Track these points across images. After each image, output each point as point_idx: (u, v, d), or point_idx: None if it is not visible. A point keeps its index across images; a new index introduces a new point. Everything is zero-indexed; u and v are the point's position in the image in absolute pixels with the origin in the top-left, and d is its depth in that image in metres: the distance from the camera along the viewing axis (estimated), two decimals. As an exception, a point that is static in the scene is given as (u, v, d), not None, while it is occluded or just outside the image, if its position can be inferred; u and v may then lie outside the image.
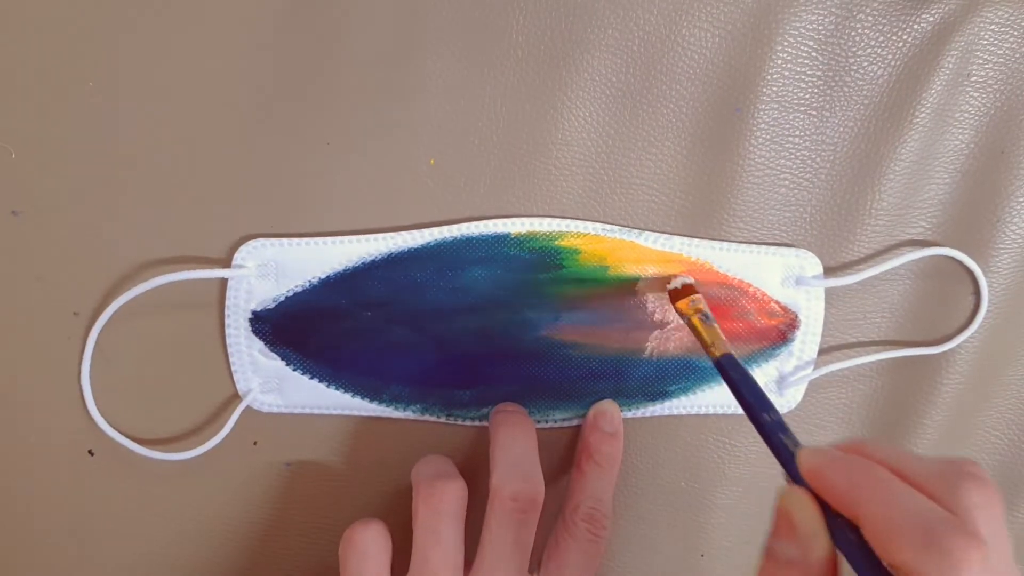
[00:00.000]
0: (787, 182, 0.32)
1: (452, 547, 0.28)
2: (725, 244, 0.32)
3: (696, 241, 0.32)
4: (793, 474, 0.23)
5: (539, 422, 0.33)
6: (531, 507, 0.29)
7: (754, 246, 0.33)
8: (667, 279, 0.32)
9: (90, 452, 0.33)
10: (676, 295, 0.31)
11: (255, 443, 0.33)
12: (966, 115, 0.33)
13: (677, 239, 0.32)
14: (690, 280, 0.32)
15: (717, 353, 0.28)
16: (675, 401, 0.34)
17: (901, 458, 0.22)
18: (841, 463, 0.22)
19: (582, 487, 0.31)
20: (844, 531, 0.21)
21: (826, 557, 0.21)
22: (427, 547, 0.28)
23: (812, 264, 0.33)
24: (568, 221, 0.31)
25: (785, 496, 0.22)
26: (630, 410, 0.34)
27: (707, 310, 0.30)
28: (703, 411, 0.34)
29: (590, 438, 0.32)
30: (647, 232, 0.32)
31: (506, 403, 0.33)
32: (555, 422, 0.33)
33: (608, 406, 0.33)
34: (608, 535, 0.30)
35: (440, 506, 0.28)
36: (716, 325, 0.30)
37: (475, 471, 0.33)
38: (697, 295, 0.31)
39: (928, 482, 0.21)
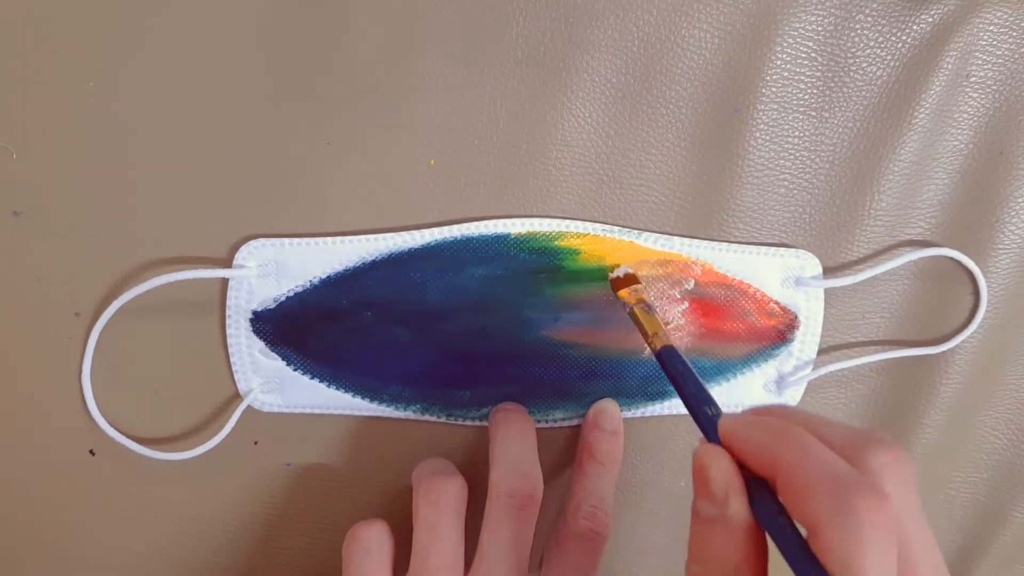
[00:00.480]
0: (786, 182, 0.32)
1: (452, 544, 0.28)
2: (725, 245, 0.32)
3: (696, 242, 0.32)
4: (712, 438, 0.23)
5: (539, 422, 0.33)
6: (529, 504, 0.29)
7: (754, 247, 0.33)
8: (610, 269, 0.32)
9: (91, 452, 0.33)
10: (618, 284, 0.31)
11: (255, 443, 0.33)
12: (965, 116, 0.33)
13: (677, 239, 0.32)
14: (631, 270, 0.32)
15: (658, 345, 0.28)
16: (675, 401, 0.34)
17: (815, 421, 0.22)
18: (758, 424, 0.22)
19: (583, 486, 0.31)
20: (763, 497, 0.21)
21: (745, 514, 0.21)
22: (427, 544, 0.28)
23: (811, 265, 0.33)
24: (568, 221, 0.32)
25: (698, 452, 0.22)
26: (630, 410, 0.34)
27: (650, 300, 0.30)
28: (703, 411, 0.34)
29: (591, 437, 0.32)
30: (647, 232, 0.32)
31: (506, 403, 0.33)
32: (555, 422, 0.34)
33: (608, 405, 0.33)
34: (609, 533, 0.30)
35: (440, 502, 0.29)
36: (658, 316, 0.29)
37: (475, 471, 0.33)
38: (639, 284, 0.31)
39: (839, 444, 0.21)
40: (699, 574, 0.21)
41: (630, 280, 0.31)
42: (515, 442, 0.30)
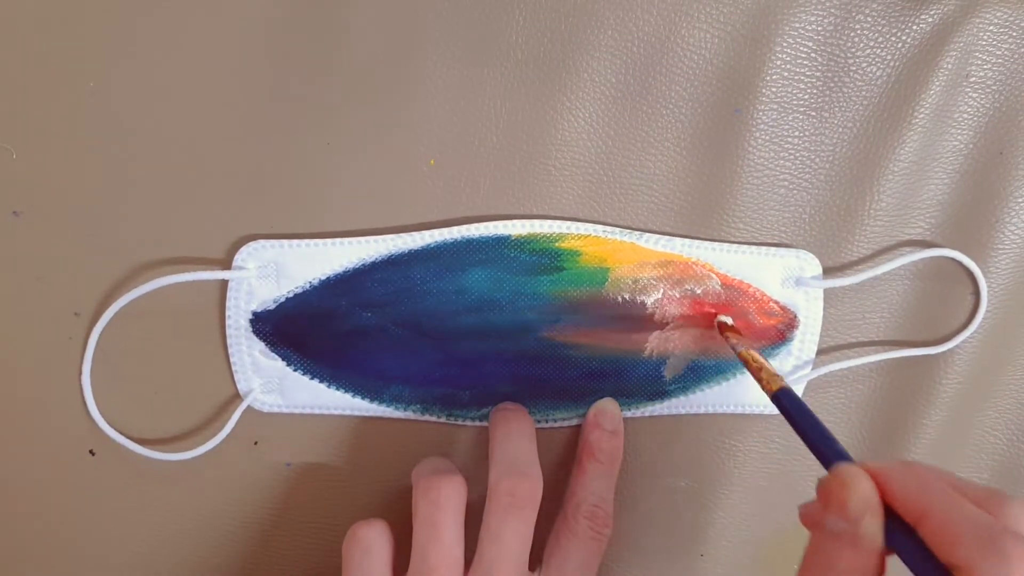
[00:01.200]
0: (786, 183, 0.32)
1: (451, 542, 0.28)
2: (725, 245, 0.32)
3: (696, 242, 0.32)
4: None
5: (540, 422, 0.33)
6: (529, 502, 0.29)
7: (754, 247, 0.33)
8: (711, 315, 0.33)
9: (91, 452, 0.33)
10: (723, 328, 0.32)
11: (255, 443, 0.33)
12: (965, 116, 0.33)
13: (677, 240, 0.32)
14: (730, 320, 0.33)
15: (775, 386, 0.28)
16: (675, 401, 0.34)
17: (955, 478, 0.24)
18: (908, 471, 0.23)
19: (584, 485, 0.31)
20: (898, 530, 0.22)
21: (879, 535, 0.22)
22: (426, 542, 0.28)
23: (811, 265, 0.33)
24: (568, 223, 0.32)
25: (841, 469, 0.24)
26: (630, 410, 0.34)
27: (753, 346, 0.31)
28: (703, 411, 0.34)
29: (591, 436, 0.32)
30: (647, 234, 0.32)
31: (506, 402, 0.33)
32: (555, 422, 0.34)
33: (608, 404, 0.33)
34: (610, 533, 0.30)
35: (439, 500, 0.28)
36: (766, 360, 0.30)
37: (476, 471, 0.33)
38: (740, 333, 0.32)
39: (982, 497, 0.23)
40: None
41: (732, 329, 0.32)
42: (515, 441, 0.30)
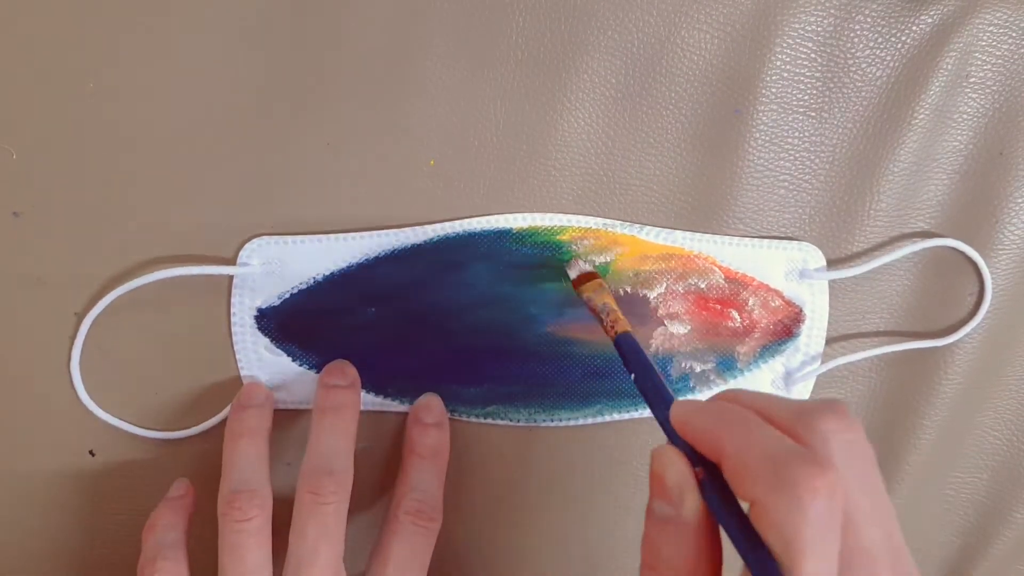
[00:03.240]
0: (786, 183, 0.32)
1: (256, 565, 0.28)
2: (727, 238, 0.32)
3: (698, 235, 0.32)
4: (675, 441, 0.23)
5: (545, 421, 0.33)
6: (333, 498, 0.28)
7: (756, 239, 0.33)
8: (565, 263, 0.31)
9: (91, 453, 0.33)
10: (580, 281, 0.31)
11: (255, 443, 0.33)
12: (965, 116, 0.33)
13: (679, 233, 0.32)
14: (589, 267, 0.31)
15: (616, 332, 0.28)
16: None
17: (762, 401, 0.22)
18: (707, 409, 0.22)
19: (405, 481, 0.31)
20: (712, 483, 0.21)
21: (698, 512, 0.21)
22: (229, 567, 0.28)
23: (815, 257, 0.33)
24: (569, 216, 0.32)
25: (655, 454, 0.22)
26: (636, 410, 0.33)
27: (610, 296, 0.30)
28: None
29: (411, 431, 0.32)
30: (648, 227, 0.32)
31: (340, 370, 0.31)
32: (560, 421, 0.33)
33: (430, 399, 0.32)
34: (438, 525, 0.30)
35: (238, 522, 0.28)
36: (615, 304, 0.29)
37: (476, 470, 0.33)
38: (599, 280, 0.30)
39: (789, 419, 0.21)
40: None
41: (591, 276, 0.31)
42: (327, 437, 0.29)
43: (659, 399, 0.25)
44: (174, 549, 0.29)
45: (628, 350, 0.27)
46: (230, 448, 0.30)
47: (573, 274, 0.31)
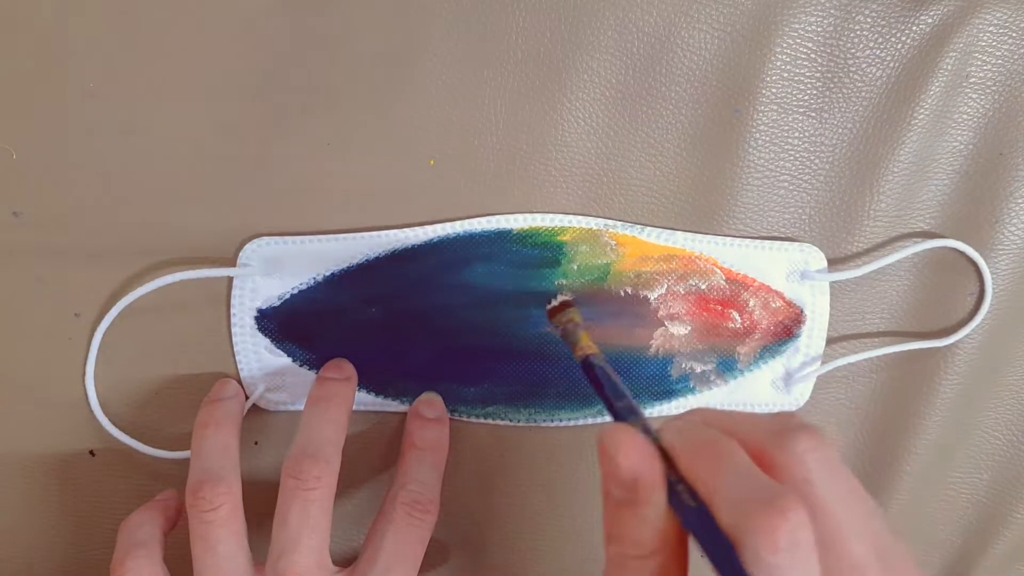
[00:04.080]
0: (786, 183, 0.32)
1: (227, 554, 0.27)
2: (728, 239, 0.32)
3: (699, 236, 0.32)
4: None
5: (545, 421, 0.33)
6: (317, 484, 0.28)
7: (757, 240, 0.33)
8: (548, 299, 0.32)
9: (91, 452, 0.33)
10: (553, 312, 0.30)
11: (255, 443, 0.33)
12: (965, 116, 0.33)
13: (680, 234, 0.32)
14: (567, 297, 0.31)
15: (583, 354, 0.27)
16: (681, 400, 0.34)
17: (741, 422, 0.22)
18: (682, 432, 0.22)
19: (403, 472, 0.31)
20: (679, 491, 0.21)
21: (662, 507, 0.21)
22: (202, 558, 0.27)
23: (816, 258, 0.33)
24: (570, 216, 0.32)
25: (603, 433, 0.22)
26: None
27: (580, 320, 0.29)
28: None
29: (411, 425, 0.32)
30: (649, 227, 0.32)
31: (337, 365, 0.31)
32: (560, 422, 0.33)
33: (430, 395, 0.33)
34: (433, 519, 0.30)
35: (204, 513, 0.27)
36: (584, 332, 0.29)
37: (476, 470, 0.33)
38: (573, 308, 0.30)
39: (763, 441, 0.21)
40: (619, 553, 0.21)
41: (566, 306, 0.30)
42: (318, 426, 0.29)
43: (627, 415, 0.24)
44: (147, 547, 0.28)
45: (597, 374, 0.26)
46: (196, 439, 0.29)
47: (549, 305, 0.31)
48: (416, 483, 0.30)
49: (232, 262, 0.31)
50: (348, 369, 0.32)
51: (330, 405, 0.30)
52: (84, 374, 0.31)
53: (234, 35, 0.30)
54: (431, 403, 0.32)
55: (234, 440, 0.30)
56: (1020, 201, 0.34)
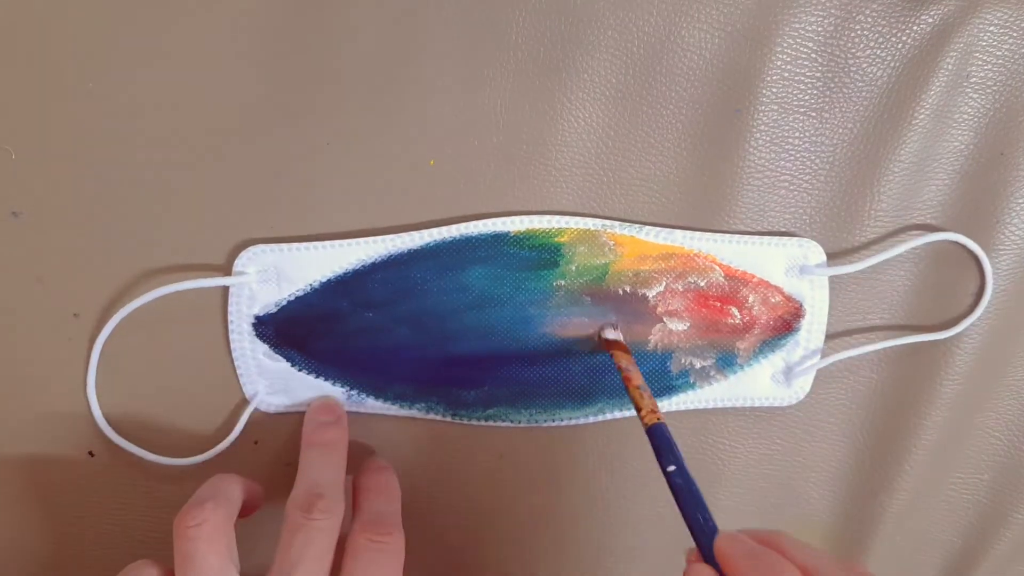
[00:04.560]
0: (786, 183, 0.32)
1: (212, 573, 0.27)
2: (727, 236, 0.32)
3: (698, 234, 0.32)
4: (705, 551, 0.24)
5: (546, 421, 0.33)
6: (321, 515, 0.27)
7: (756, 236, 0.33)
8: (597, 330, 0.32)
9: (90, 453, 0.33)
10: (609, 345, 0.31)
11: (256, 443, 0.33)
12: (965, 116, 0.33)
13: (678, 232, 0.32)
14: (619, 336, 0.32)
15: (649, 422, 0.28)
16: (681, 396, 0.34)
17: (814, 560, 0.23)
18: (752, 558, 0.23)
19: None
20: None
21: None
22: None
23: (815, 253, 0.33)
24: (567, 217, 0.32)
25: (689, 572, 0.24)
26: (632, 409, 0.33)
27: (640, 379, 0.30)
28: (709, 406, 0.34)
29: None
30: (648, 226, 0.32)
31: (327, 407, 0.32)
32: (562, 421, 0.33)
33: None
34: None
35: (188, 532, 0.27)
36: (648, 392, 0.29)
37: (477, 472, 0.33)
38: (627, 352, 0.31)
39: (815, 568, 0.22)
40: None
41: (619, 346, 0.31)
42: (318, 468, 0.29)
43: (702, 524, 0.25)
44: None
45: (660, 442, 0.27)
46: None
47: (607, 337, 0.32)
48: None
49: (230, 261, 0.31)
50: (338, 410, 0.32)
51: (327, 449, 0.30)
52: (84, 375, 0.31)
53: (234, 36, 0.30)
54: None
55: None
56: (1021, 201, 0.33)
